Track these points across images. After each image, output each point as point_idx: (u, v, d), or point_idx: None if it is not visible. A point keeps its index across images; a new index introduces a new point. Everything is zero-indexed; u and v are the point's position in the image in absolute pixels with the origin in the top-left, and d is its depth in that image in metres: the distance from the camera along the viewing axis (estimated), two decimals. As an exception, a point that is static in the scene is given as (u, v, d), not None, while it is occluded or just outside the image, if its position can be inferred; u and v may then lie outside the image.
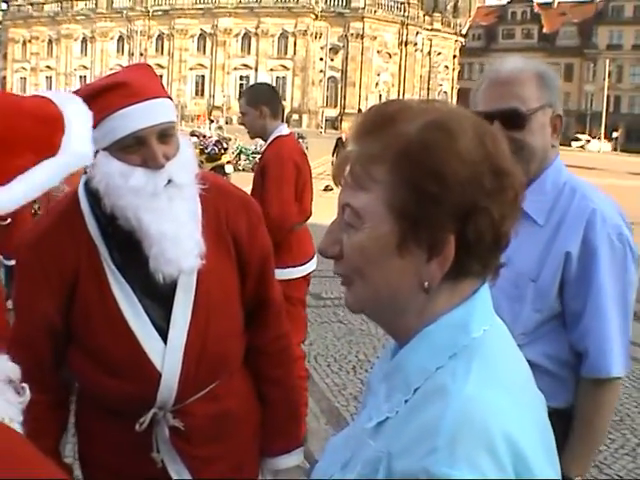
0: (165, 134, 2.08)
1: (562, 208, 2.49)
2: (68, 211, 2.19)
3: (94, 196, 2.10)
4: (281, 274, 5.45)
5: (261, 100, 5.39)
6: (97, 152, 2.01)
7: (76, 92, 2.03)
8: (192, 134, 30.99)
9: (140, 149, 2.04)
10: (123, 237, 2.11)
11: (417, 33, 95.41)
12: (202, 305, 2.21)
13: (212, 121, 40.62)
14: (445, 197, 1.18)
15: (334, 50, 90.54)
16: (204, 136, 31.28)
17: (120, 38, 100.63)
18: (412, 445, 1.13)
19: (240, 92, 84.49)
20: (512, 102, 2.44)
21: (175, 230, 2.09)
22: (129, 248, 2.12)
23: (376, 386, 1.38)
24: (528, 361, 1.39)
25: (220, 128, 36.06)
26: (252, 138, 5.65)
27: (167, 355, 2.15)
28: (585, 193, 2.51)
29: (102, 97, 2.00)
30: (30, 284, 2.18)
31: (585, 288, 2.44)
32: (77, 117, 1.16)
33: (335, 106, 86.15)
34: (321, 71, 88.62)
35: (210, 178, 2.33)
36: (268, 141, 5.44)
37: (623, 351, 2.47)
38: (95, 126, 1.89)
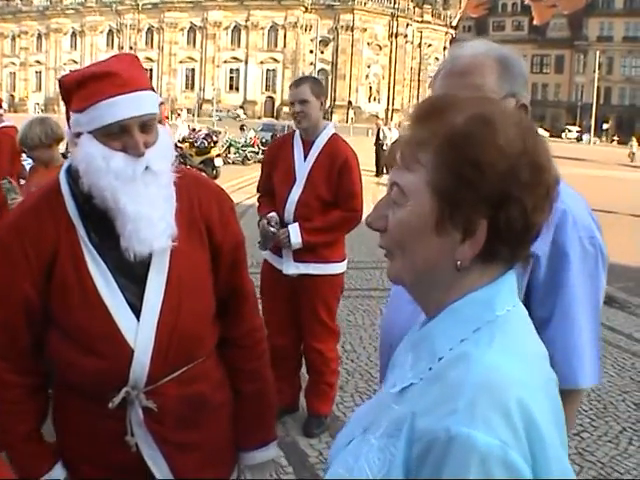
0: (147, 124, 2.16)
1: None
2: (49, 192, 2.26)
3: (74, 178, 2.19)
4: (341, 267, 5.51)
5: (323, 92, 5.38)
6: (80, 134, 2.13)
7: (67, 76, 2.18)
8: (182, 127, 31.01)
9: (123, 137, 2.12)
10: (99, 217, 2.18)
11: (407, 25, 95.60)
12: (174, 285, 2.26)
13: (179, 115, 40.06)
14: (481, 185, 1.29)
15: (324, 42, 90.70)
16: (194, 129, 31.29)
17: (110, 32, 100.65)
18: (434, 406, 1.22)
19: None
20: (465, 94, 2.21)
21: (149, 212, 2.17)
22: (105, 229, 2.19)
23: (401, 359, 1.46)
24: None
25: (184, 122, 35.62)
26: (302, 129, 5.43)
27: (140, 331, 2.21)
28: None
29: (93, 84, 2.09)
30: (9, 265, 2.20)
31: (554, 294, 2.29)
32: None
33: (326, 98, 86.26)
34: (311, 63, 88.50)
35: (185, 169, 2.42)
36: (326, 135, 5.40)
37: (592, 361, 2.32)
38: (83, 110, 2.09)
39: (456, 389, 1.22)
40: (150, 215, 2.17)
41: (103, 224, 2.19)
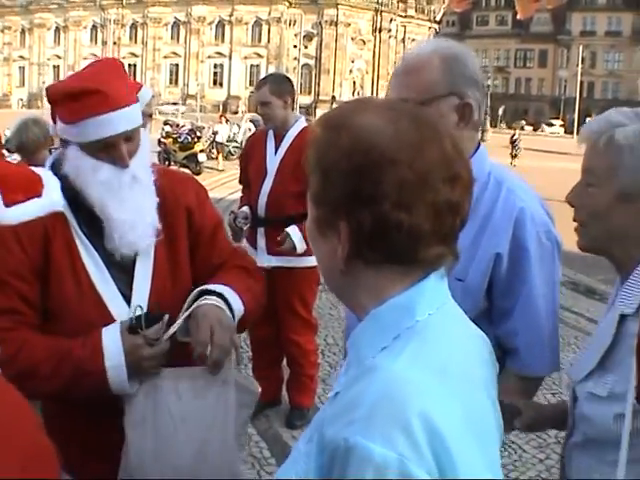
0: (131, 136, 2.32)
1: (488, 202, 2.40)
2: None
3: (62, 174, 2.29)
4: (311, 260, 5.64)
5: (286, 90, 5.46)
6: (68, 143, 2.30)
7: (55, 87, 2.30)
8: (165, 123, 30.94)
9: (109, 150, 2.28)
10: (88, 211, 2.33)
11: (391, 20, 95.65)
12: (159, 273, 2.44)
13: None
14: (331, 188, 1.30)
15: (308, 37, 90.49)
16: (177, 125, 31.23)
17: (93, 27, 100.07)
18: (339, 415, 1.21)
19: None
20: (405, 92, 2.30)
21: (134, 217, 2.34)
22: (93, 223, 2.34)
23: (348, 358, 1.45)
24: None
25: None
26: (269, 129, 5.61)
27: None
28: (511, 187, 2.42)
29: (79, 101, 2.22)
30: (5, 252, 2.27)
31: (515, 287, 2.39)
32: (50, 178, 1.57)
33: (309, 93, 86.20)
34: (295, 58, 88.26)
35: (159, 167, 2.62)
36: (295, 130, 5.51)
37: (552, 351, 2.46)
38: (71, 123, 2.24)
39: (357, 399, 1.21)
40: (134, 220, 2.35)
41: (91, 218, 2.33)
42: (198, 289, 2.41)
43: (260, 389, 2.51)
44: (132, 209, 2.33)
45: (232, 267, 2.60)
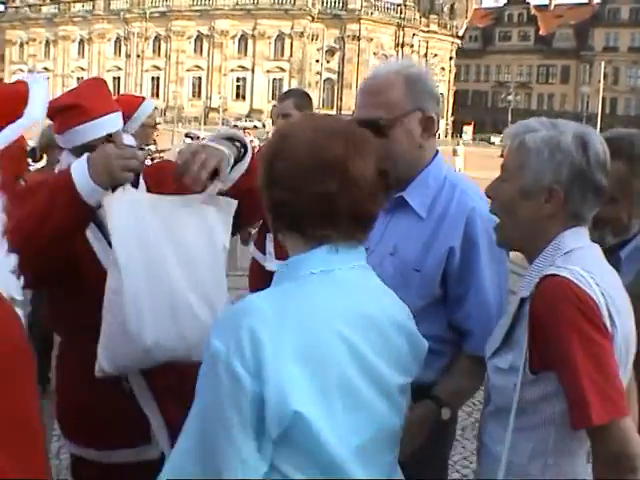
0: (110, 138, 2.75)
1: (444, 202, 2.72)
2: None
3: None
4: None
5: (306, 105, 5.53)
6: (62, 149, 2.88)
7: (49, 104, 2.55)
8: (187, 135, 31.15)
9: (92, 151, 2.55)
10: None
11: (413, 35, 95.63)
12: None
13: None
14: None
15: (331, 52, 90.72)
16: (198, 137, 31.42)
17: (117, 40, 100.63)
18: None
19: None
20: (375, 112, 2.67)
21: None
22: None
23: None
24: None
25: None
26: None
27: None
28: (464, 189, 2.76)
29: (63, 114, 2.73)
30: None
31: (468, 277, 2.67)
32: (38, 91, 1.55)
33: (332, 107, 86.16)
34: (318, 73, 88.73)
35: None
36: None
37: None
38: (59, 132, 2.77)
39: (223, 316, 1.83)
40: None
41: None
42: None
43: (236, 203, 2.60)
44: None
45: None
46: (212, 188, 2.47)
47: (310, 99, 5.82)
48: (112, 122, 2.80)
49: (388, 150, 2.49)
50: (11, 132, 1.48)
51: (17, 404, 1.28)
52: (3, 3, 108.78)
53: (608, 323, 2.06)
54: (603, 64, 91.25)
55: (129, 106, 4.26)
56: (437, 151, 2.86)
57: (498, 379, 2.28)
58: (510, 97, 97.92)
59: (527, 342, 2.12)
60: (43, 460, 1.36)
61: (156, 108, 5.60)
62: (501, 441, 2.21)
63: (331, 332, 1.73)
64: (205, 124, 69.95)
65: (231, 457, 1.64)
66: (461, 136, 77.47)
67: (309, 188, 1.77)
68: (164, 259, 2.46)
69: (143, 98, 4.88)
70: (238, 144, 2.64)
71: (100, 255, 2.67)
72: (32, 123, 1.52)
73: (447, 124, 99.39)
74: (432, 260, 2.67)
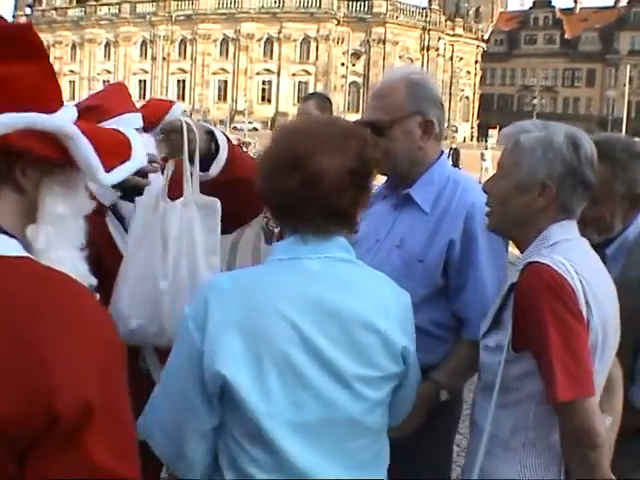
0: None
1: (446, 199, 2.93)
2: None
3: None
4: None
5: (327, 108, 5.73)
6: None
7: (77, 104, 2.88)
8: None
9: None
10: None
11: (439, 38, 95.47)
12: None
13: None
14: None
15: (356, 55, 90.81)
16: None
17: (143, 43, 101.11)
18: None
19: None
20: (377, 114, 2.92)
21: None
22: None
23: None
24: (417, 326, 2.18)
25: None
26: None
27: None
28: (466, 186, 2.97)
29: (86, 113, 2.70)
30: None
31: (467, 268, 2.86)
32: (135, 139, 1.76)
33: (357, 111, 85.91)
34: (343, 76, 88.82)
35: None
36: None
37: None
38: None
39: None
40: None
41: None
42: None
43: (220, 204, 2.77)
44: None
45: None
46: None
47: (331, 103, 6.06)
48: (129, 121, 2.97)
49: (387, 149, 2.82)
50: (127, 170, 1.68)
51: (117, 396, 1.35)
52: (30, 6, 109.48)
53: (584, 309, 2.23)
54: (629, 68, 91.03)
55: (158, 110, 4.29)
56: (442, 152, 3.07)
57: (487, 357, 2.47)
58: (535, 101, 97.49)
59: (511, 323, 2.31)
60: (136, 452, 1.40)
61: (184, 111, 5.77)
62: (487, 416, 2.39)
63: (273, 310, 1.93)
64: (231, 127, 70.05)
65: (183, 405, 1.97)
66: (486, 140, 77.15)
67: (275, 185, 2.00)
68: (157, 257, 2.71)
69: (172, 102, 4.93)
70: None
71: (117, 240, 2.91)
72: (139, 164, 1.73)
73: (472, 128, 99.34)
74: (434, 252, 2.86)
